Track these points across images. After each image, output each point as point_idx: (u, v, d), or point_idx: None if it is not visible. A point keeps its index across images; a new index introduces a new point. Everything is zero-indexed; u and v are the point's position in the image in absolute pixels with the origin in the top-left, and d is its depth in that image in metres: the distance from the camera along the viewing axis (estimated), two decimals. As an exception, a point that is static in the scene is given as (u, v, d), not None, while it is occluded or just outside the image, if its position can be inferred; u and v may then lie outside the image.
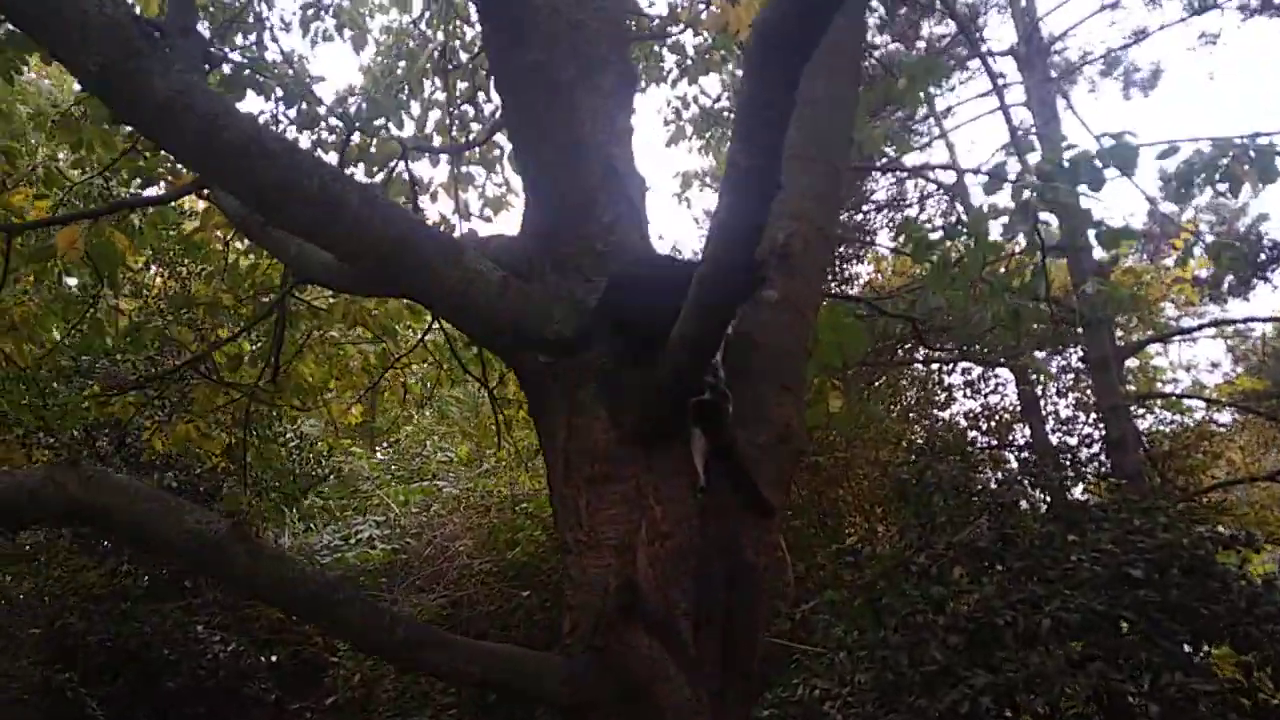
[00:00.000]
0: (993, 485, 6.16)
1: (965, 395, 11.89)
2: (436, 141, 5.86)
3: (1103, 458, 10.14)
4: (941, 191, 11.11)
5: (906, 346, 11.47)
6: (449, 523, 7.89)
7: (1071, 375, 11.62)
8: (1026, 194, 3.91)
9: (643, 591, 2.50)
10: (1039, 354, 6.31)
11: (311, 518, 8.66)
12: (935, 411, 11.07)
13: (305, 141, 4.99)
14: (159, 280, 5.67)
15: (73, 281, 5.64)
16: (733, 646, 2.55)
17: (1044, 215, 4.19)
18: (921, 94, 4.21)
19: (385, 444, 9.08)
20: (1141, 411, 11.94)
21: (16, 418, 5.53)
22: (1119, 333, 11.78)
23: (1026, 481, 6.17)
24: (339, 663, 6.81)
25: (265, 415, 7.11)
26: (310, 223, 2.29)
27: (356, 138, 5.07)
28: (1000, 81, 10.64)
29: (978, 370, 11.84)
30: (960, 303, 4.37)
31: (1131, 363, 12.65)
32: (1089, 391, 11.11)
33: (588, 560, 2.57)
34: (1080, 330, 10.01)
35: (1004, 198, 4.16)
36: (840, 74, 3.19)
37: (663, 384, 2.51)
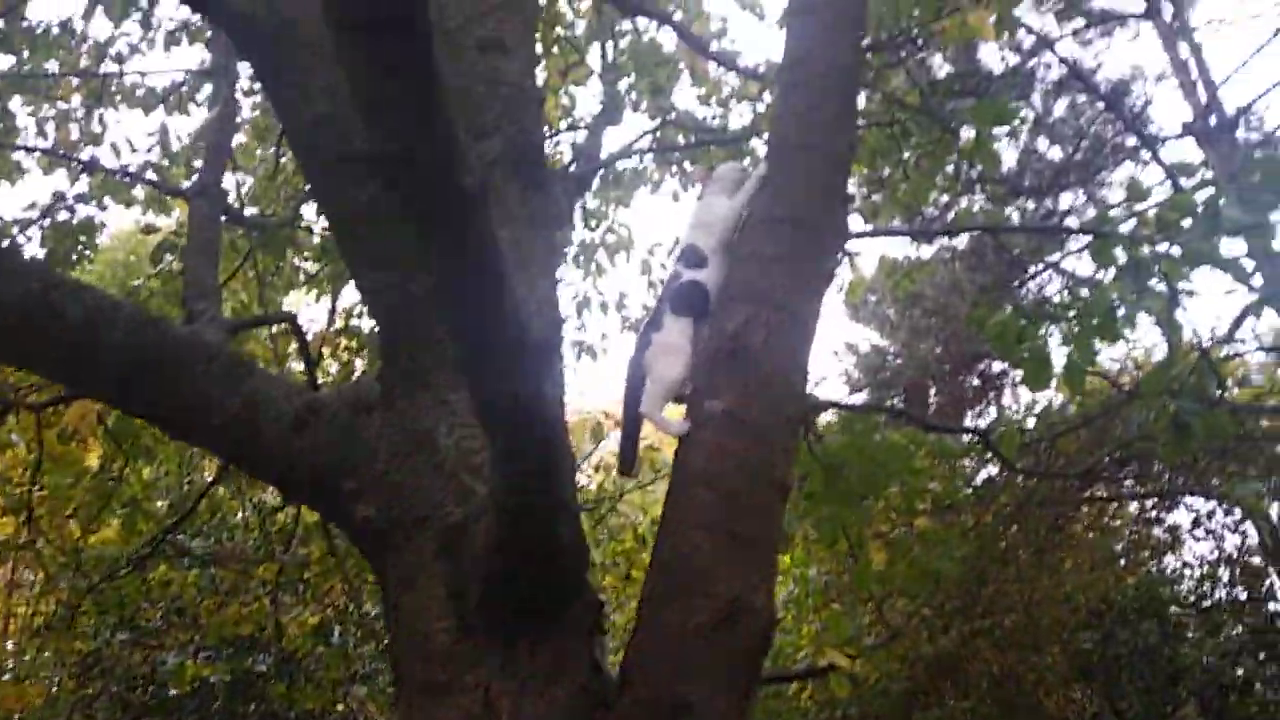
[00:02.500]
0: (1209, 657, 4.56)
1: (1194, 537, 9.72)
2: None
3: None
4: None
5: (1108, 478, 9.62)
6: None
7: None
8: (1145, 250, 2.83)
9: None
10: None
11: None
12: (1150, 559, 9.01)
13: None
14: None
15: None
16: None
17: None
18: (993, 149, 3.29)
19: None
20: None
21: (79, 606, 5.38)
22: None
23: (1260, 653, 4.53)
24: None
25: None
26: (10, 343, 1.75)
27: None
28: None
29: (1206, 505, 9.71)
30: (1087, 408, 3.22)
31: None
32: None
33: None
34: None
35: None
36: (826, 99, 2.38)
37: (504, 545, 1.70)
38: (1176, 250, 2.84)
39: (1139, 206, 2.89)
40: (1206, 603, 8.23)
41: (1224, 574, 9.53)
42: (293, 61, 1.96)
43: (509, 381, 1.38)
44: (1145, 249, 2.82)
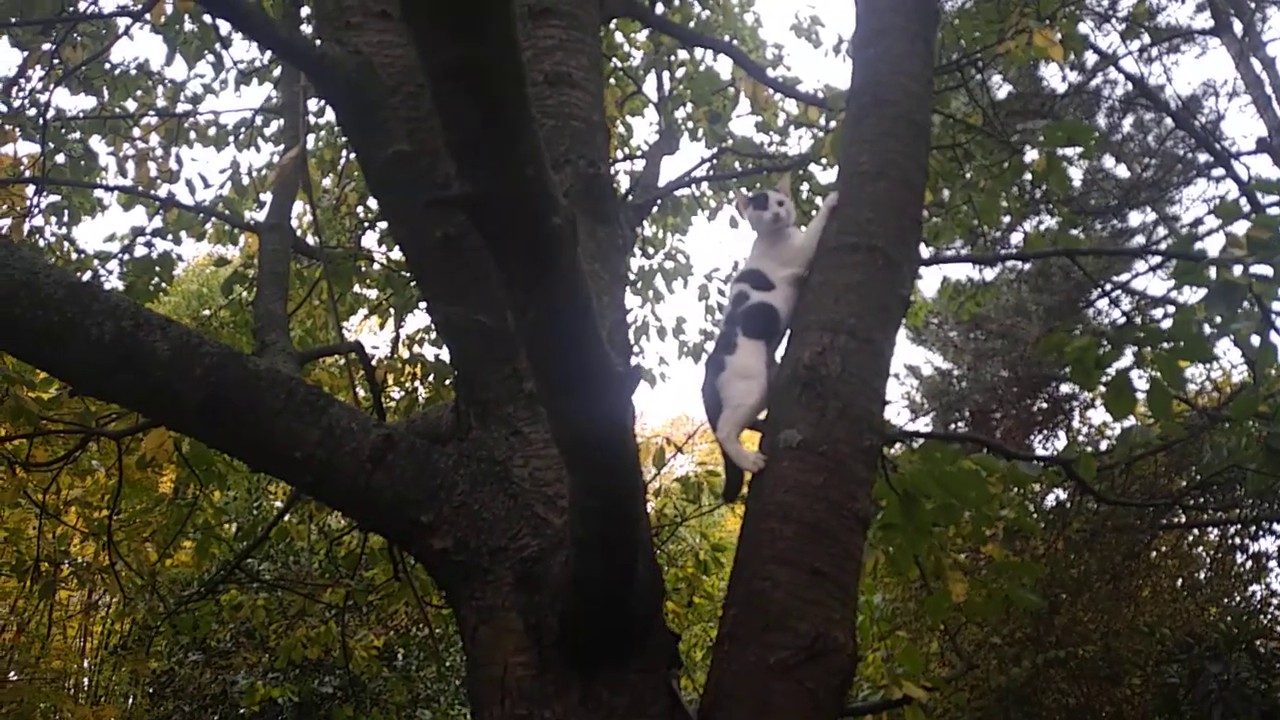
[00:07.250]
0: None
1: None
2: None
3: None
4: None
5: (1189, 505, 9.23)
6: None
7: None
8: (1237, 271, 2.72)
9: None
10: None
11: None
12: (1234, 588, 8.61)
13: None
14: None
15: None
16: None
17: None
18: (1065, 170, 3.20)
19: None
20: None
21: (155, 627, 5.51)
22: None
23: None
24: None
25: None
26: (99, 378, 1.81)
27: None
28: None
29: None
30: (1176, 433, 3.10)
31: None
32: None
33: None
34: None
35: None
36: (898, 125, 2.33)
37: (582, 580, 1.68)
38: (1268, 270, 2.72)
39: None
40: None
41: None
42: (371, 101, 1.99)
43: (595, 414, 1.37)
44: (1236, 270, 2.71)
